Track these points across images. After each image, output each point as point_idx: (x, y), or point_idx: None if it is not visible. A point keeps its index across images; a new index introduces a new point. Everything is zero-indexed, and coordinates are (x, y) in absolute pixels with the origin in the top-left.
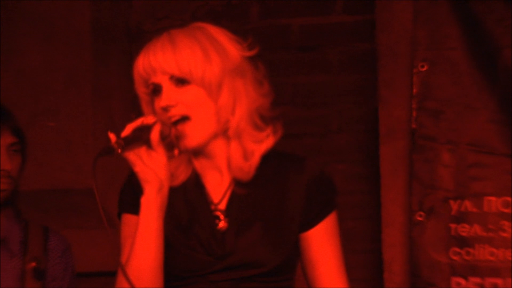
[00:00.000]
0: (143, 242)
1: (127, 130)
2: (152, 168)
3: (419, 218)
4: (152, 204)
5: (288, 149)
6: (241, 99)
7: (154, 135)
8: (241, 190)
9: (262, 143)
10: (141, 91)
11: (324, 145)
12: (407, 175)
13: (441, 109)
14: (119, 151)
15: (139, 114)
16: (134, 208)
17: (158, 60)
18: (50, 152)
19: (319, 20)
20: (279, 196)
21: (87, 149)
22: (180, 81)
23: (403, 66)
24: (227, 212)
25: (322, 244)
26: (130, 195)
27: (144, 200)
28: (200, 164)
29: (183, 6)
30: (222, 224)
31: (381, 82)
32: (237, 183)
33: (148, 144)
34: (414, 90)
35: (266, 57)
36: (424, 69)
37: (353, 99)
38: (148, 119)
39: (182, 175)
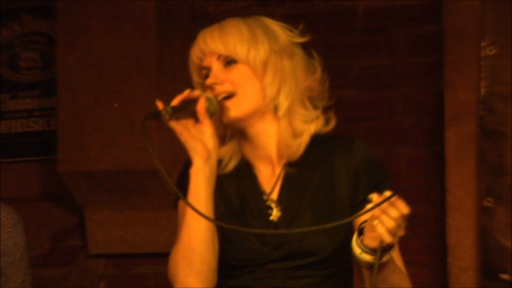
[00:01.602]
0: (194, 213)
1: (175, 101)
2: (199, 138)
3: (488, 204)
4: (200, 173)
5: (352, 132)
6: (288, 78)
7: (200, 106)
8: (292, 178)
9: (312, 123)
10: (196, 81)
11: (389, 128)
12: (473, 159)
13: (510, 93)
14: (167, 117)
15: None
16: (185, 194)
17: (206, 43)
18: (115, 133)
19: (385, 2)
20: (328, 182)
21: (151, 131)
22: (227, 61)
23: (470, 49)
24: (279, 201)
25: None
26: (183, 183)
27: (193, 170)
28: (251, 153)
29: None
30: (274, 214)
31: (447, 65)
32: (287, 172)
33: (195, 117)
34: (483, 75)
35: (331, 40)
36: (493, 52)
37: (419, 82)
38: (194, 92)
39: (232, 162)
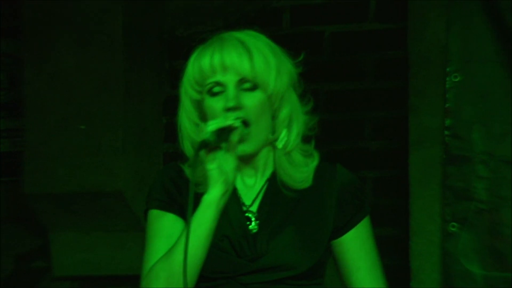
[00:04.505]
0: (194, 239)
1: (212, 127)
2: (225, 170)
3: (453, 229)
4: (213, 204)
5: (319, 155)
6: (298, 113)
7: (235, 138)
8: (274, 193)
9: (313, 155)
10: (193, 88)
11: (355, 152)
12: (437, 184)
13: (475, 120)
14: (210, 147)
15: (172, 117)
16: (163, 204)
17: (233, 60)
18: (81, 155)
19: (352, 28)
20: (311, 200)
21: (117, 153)
22: (249, 85)
23: (435, 74)
24: (259, 214)
25: (357, 249)
26: (160, 192)
27: (208, 199)
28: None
29: (216, 12)
30: (253, 227)
31: (412, 90)
32: (270, 186)
33: (222, 145)
34: (447, 101)
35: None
36: (457, 79)
37: (385, 106)
38: (234, 122)
39: None
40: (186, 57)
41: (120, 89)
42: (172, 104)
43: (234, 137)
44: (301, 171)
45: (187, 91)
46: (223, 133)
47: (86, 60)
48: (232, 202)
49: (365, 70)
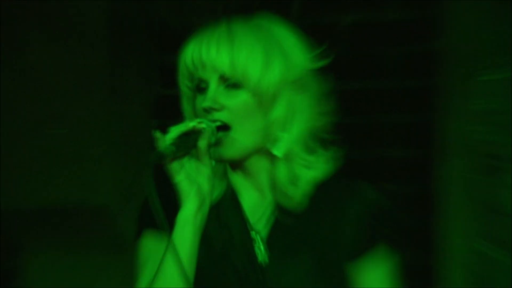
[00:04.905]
0: (175, 264)
1: (173, 133)
2: (196, 180)
3: (482, 247)
4: (189, 222)
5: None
6: (297, 116)
7: (203, 143)
8: (287, 216)
9: (311, 169)
10: (184, 84)
11: (373, 161)
12: (466, 197)
13: (510, 122)
14: (171, 157)
15: (163, 120)
16: (155, 224)
17: (210, 54)
18: (59, 164)
19: (371, 19)
20: (329, 225)
21: (101, 161)
22: (231, 83)
23: (466, 73)
24: (270, 240)
25: (369, 280)
26: (151, 211)
27: (182, 217)
28: (237, 181)
29: (213, 1)
30: (263, 255)
31: (439, 91)
32: (281, 208)
33: (191, 152)
34: (479, 102)
35: None
36: (490, 78)
37: (407, 109)
38: (198, 125)
39: (216, 191)
40: (180, 52)
41: (103, 87)
42: (163, 105)
43: (202, 142)
44: (300, 191)
45: (181, 88)
46: (189, 139)
47: (63, 55)
48: (238, 224)
49: (385, 67)
